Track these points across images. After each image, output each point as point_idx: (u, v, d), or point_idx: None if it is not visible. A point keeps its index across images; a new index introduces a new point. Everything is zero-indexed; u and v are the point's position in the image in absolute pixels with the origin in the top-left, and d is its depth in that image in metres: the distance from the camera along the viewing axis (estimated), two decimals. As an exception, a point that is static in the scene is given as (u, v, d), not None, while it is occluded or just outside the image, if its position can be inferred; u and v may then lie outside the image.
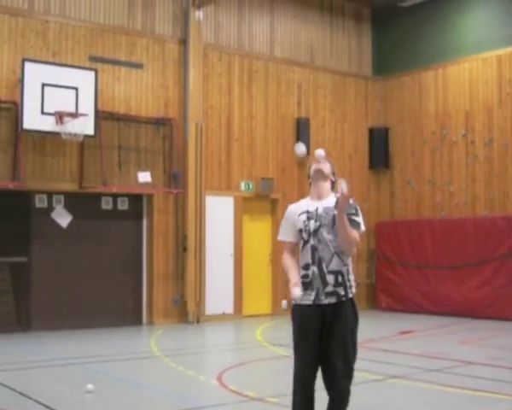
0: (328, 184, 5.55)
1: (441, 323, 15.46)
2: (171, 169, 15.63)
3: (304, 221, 5.45)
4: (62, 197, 14.63)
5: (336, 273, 5.37)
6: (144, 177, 15.13)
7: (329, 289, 5.35)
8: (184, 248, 15.66)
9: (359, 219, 5.42)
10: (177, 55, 16.00)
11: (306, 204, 5.56)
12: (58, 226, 14.57)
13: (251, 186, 16.87)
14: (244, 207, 16.76)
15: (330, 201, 5.47)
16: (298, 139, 17.51)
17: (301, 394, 5.39)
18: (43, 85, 13.52)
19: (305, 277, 5.41)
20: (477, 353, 11.41)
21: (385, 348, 11.99)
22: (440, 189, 17.83)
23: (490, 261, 16.06)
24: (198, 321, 15.67)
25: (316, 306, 5.36)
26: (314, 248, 5.40)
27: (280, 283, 16.58)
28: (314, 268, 5.37)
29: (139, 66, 15.44)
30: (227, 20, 16.97)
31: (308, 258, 5.42)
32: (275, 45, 17.74)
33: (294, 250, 5.61)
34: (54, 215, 14.54)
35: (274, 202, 17.26)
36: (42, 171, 14.09)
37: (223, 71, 16.72)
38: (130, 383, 9.10)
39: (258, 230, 17.18)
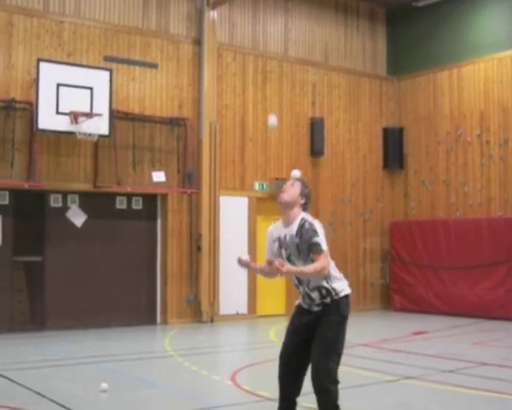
0: (295, 210, 5.83)
1: (455, 323, 15.40)
2: (185, 169, 15.65)
3: (277, 248, 5.89)
4: (77, 197, 14.70)
5: (319, 288, 5.73)
6: (158, 176, 15.18)
7: (317, 302, 5.76)
8: (198, 248, 15.68)
9: (319, 238, 5.61)
10: (191, 56, 16.03)
11: (279, 230, 5.90)
12: (73, 226, 14.64)
13: (265, 186, 16.87)
14: (258, 207, 16.75)
15: (294, 227, 5.76)
16: (312, 139, 17.55)
17: (281, 370, 5.87)
18: (58, 85, 13.59)
19: (299, 292, 5.91)
20: (491, 354, 11.37)
21: (398, 348, 11.96)
22: (455, 189, 17.77)
23: (504, 262, 15.97)
24: (212, 321, 15.70)
25: (307, 311, 5.85)
26: None
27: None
28: (301, 288, 5.84)
29: (154, 66, 15.48)
30: (241, 20, 16.98)
31: (294, 278, 5.87)
32: (289, 45, 17.73)
33: None
34: (68, 215, 14.62)
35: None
36: (57, 170, 14.16)
37: (237, 71, 16.74)
38: (144, 383, 9.13)
39: (271, 230, 17.14)
